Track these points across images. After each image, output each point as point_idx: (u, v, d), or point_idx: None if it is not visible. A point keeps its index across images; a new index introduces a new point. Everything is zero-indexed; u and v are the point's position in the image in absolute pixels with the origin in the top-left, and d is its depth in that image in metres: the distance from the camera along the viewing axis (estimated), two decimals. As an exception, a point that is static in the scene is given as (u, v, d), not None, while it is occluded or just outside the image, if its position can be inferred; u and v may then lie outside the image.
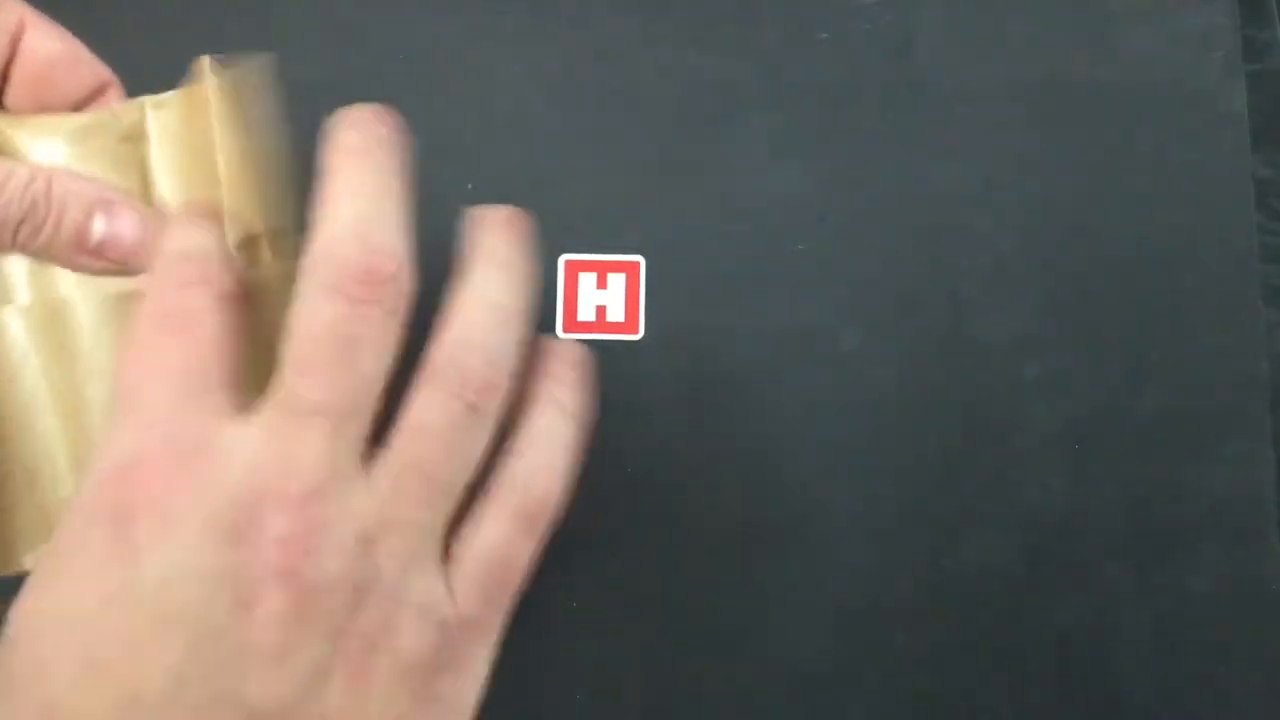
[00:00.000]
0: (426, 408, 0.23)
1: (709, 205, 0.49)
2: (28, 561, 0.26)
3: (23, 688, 0.21)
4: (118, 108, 0.27)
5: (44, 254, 0.25)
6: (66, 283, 0.26)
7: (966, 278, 0.49)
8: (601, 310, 0.48)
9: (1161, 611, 0.48)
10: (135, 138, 0.26)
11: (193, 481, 0.21)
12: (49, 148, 0.26)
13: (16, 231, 0.25)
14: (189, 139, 0.26)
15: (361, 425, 0.22)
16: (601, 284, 0.48)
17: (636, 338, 0.48)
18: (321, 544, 0.21)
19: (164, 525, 0.21)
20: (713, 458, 0.47)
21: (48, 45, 0.27)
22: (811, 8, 0.51)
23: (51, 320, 0.25)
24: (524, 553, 0.24)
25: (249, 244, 0.27)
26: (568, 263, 0.48)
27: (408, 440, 0.23)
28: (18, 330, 0.25)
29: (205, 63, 0.26)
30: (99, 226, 0.25)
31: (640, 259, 0.48)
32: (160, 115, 0.26)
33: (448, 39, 0.50)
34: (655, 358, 0.47)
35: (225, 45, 0.49)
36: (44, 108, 0.27)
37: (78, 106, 0.27)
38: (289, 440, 0.22)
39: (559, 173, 0.49)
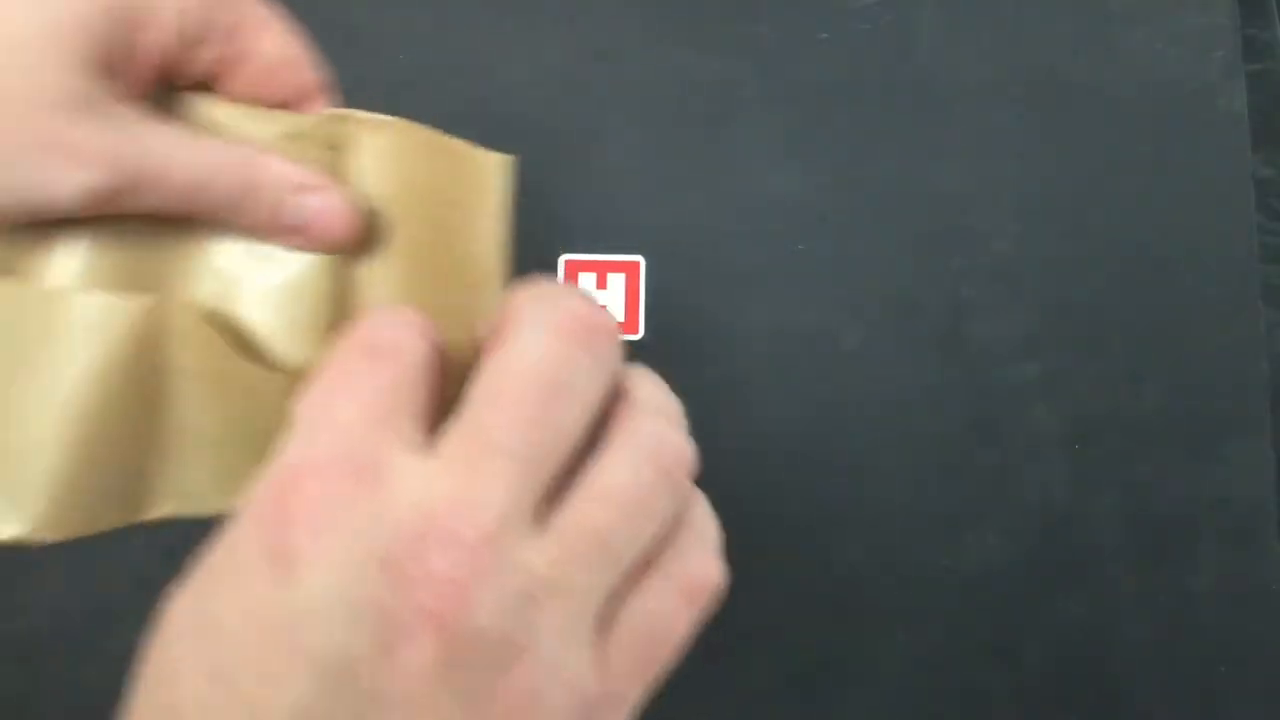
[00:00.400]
0: (616, 470, 0.22)
1: (709, 205, 0.49)
2: (156, 511, 0.27)
3: (150, 689, 0.21)
4: (328, 116, 0.28)
5: (252, 229, 0.27)
6: (261, 335, 0.27)
7: (966, 278, 0.49)
8: (601, 310, 0.48)
9: (1161, 611, 0.48)
10: (338, 147, 0.28)
11: (361, 502, 0.20)
12: (262, 140, 0.28)
13: (230, 206, 0.26)
14: (404, 174, 0.28)
15: (547, 477, 0.21)
16: (601, 284, 0.48)
17: (636, 338, 0.48)
18: (482, 595, 0.19)
19: (322, 543, 0.19)
20: (712, 457, 0.47)
21: (274, 50, 0.28)
22: (811, 8, 0.51)
23: (225, 373, 0.27)
24: (681, 631, 0.23)
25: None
26: (568, 263, 0.48)
27: (590, 501, 0.21)
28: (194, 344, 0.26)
29: (504, 160, 0.28)
30: (301, 209, 0.26)
31: (640, 259, 0.48)
32: (375, 138, 0.28)
33: (448, 39, 0.50)
34: (655, 358, 0.47)
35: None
36: (257, 101, 0.29)
37: (288, 105, 0.29)
38: (469, 477, 0.20)
39: (559, 173, 0.49)
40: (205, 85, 0.28)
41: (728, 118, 0.50)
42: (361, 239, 0.28)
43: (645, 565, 0.22)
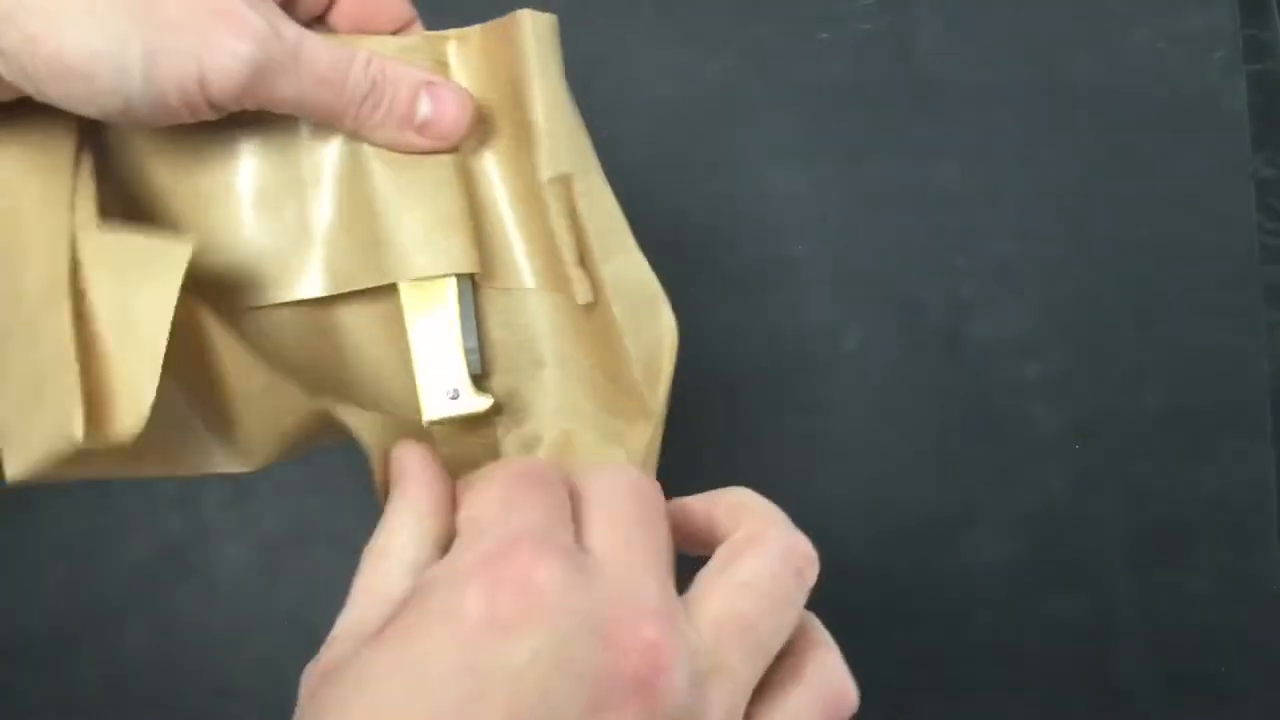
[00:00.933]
0: (753, 567, 0.24)
1: (709, 205, 0.49)
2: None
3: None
4: (429, 35, 0.30)
5: (377, 131, 0.28)
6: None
7: (966, 278, 0.49)
8: (601, 310, 0.48)
9: (1161, 611, 0.48)
10: (442, 64, 0.29)
11: (572, 576, 0.21)
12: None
13: (360, 106, 0.27)
14: (487, 71, 0.29)
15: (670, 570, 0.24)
16: (601, 284, 0.48)
17: (636, 338, 0.48)
18: (676, 668, 0.21)
19: (541, 609, 0.21)
20: (712, 458, 0.47)
21: None
22: (811, 8, 0.51)
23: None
24: None
25: (561, 181, 0.29)
26: (568, 263, 0.48)
27: (733, 593, 0.23)
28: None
29: (525, 13, 0.29)
30: (425, 106, 0.28)
31: (640, 259, 0.48)
32: (462, 48, 0.29)
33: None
34: (655, 358, 0.48)
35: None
36: (360, 33, 0.30)
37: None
38: (633, 571, 0.23)
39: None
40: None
41: (728, 118, 0.50)
42: (472, 135, 0.29)
43: (782, 667, 0.24)
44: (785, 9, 0.51)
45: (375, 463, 0.30)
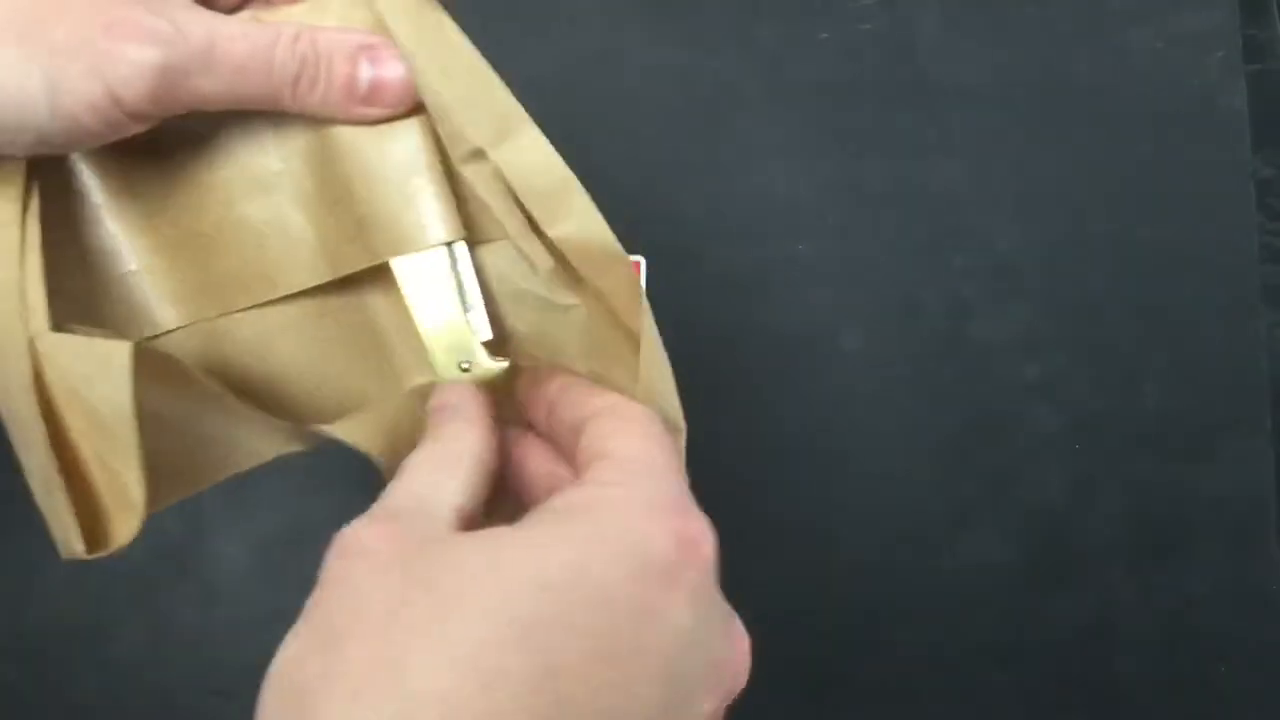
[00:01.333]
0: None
1: (709, 205, 0.49)
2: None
3: (470, 609, 0.20)
4: None
5: (322, 109, 0.26)
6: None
7: (966, 278, 0.49)
8: (601, 310, 0.48)
9: (1161, 611, 0.48)
10: (380, 17, 0.27)
11: (712, 565, 0.23)
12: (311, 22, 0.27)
13: (295, 87, 0.26)
14: (410, 6, 0.27)
15: None
16: (601, 284, 0.48)
17: (636, 338, 0.48)
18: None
19: (704, 583, 0.22)
20: (712, 458, 0.47)
21: None
22: (811, 8, 0.51)
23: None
24: None
25: (474, 158, 0.27)
26: (568, 263, 0.48)
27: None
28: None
29: None
30: (365, 72, 0.26)
31: (640, 259, 0.48)
32: None
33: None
34: (655, 358, 0.47)
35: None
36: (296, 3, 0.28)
37: None
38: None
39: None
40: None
41: (728, 118, 0.50)
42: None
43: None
44: (785, 9, 0.51)
45: (381, 460, 0.29)
